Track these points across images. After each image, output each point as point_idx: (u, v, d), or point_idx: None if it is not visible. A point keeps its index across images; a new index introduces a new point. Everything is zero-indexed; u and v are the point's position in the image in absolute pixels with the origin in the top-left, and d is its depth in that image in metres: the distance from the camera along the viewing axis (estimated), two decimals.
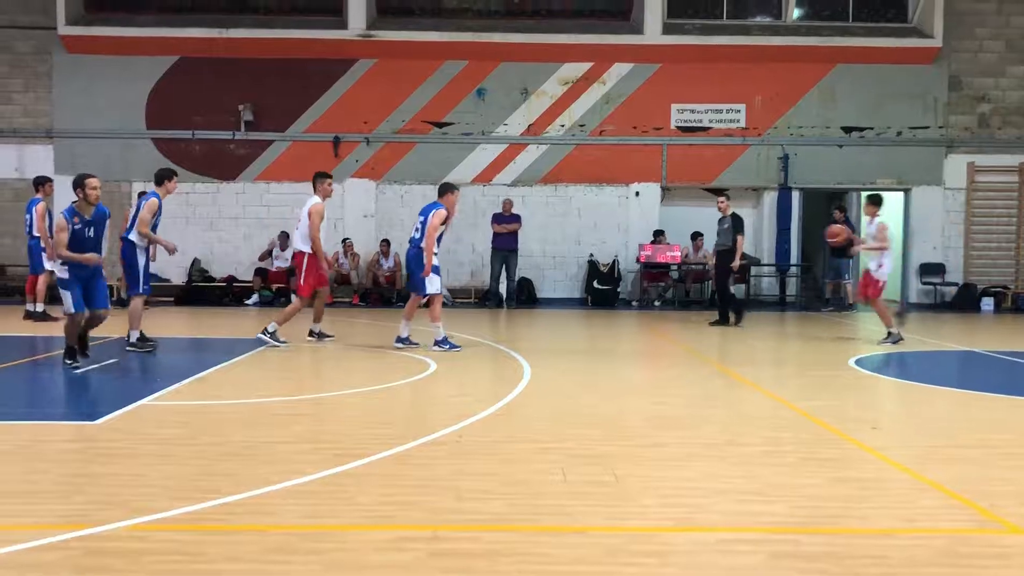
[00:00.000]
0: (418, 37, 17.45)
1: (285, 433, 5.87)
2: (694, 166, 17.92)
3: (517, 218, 16.89)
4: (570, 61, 17.81)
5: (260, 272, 17.18)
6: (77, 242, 8.24)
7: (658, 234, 17.48)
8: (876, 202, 11.55)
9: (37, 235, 12.78)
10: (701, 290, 18.03)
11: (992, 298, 17.47)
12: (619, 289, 17.61)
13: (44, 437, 5.70)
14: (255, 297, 16.89)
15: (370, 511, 4.21)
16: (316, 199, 10.66)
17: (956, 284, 17.94)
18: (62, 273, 8.28)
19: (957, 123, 18.05)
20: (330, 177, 11.02)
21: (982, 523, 4.19)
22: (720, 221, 13.57)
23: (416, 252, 10.22)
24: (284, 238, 17.15)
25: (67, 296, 8.24)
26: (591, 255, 17.76)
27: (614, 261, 17.66)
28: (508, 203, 16.96)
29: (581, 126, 17.98)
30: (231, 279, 17.46)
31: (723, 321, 13.43)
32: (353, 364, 9.46)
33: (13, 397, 7.39)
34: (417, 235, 10.25)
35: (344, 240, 17.47)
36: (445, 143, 17.87)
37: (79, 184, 8.47)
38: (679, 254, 17.38)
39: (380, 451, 5.31)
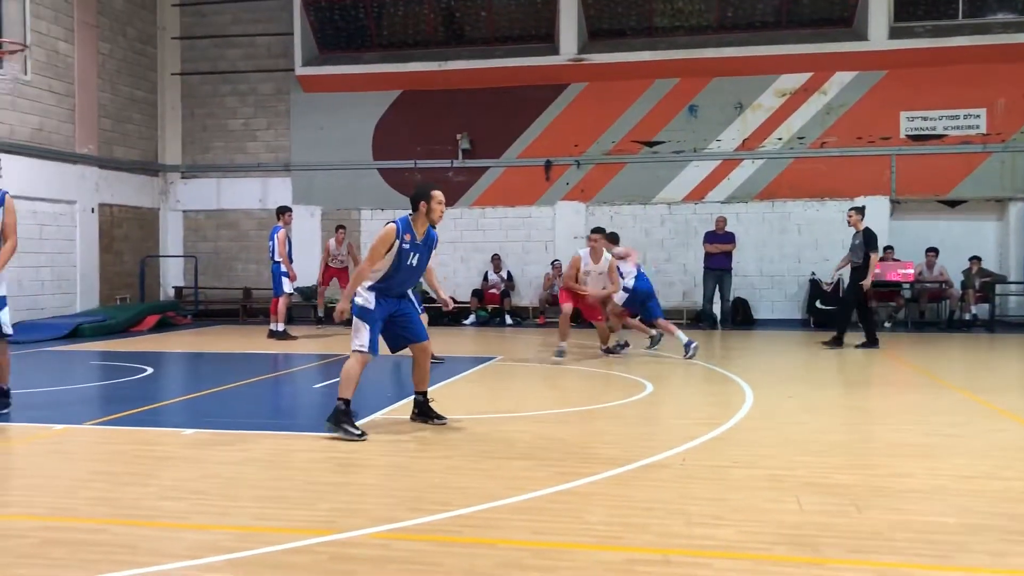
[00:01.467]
0: (629, 58, 17.44)
1: (509, 449, 5.95)
2: (927, 177, 16.68)
3: (731, 237, 16.41)
4: (787, 72, 17.14)
5: (476, 293, 17.74)
6: (397, 265, 6.42)
7: (886, 250, 16.37)
8: None
9: (278, 260, 13.85)
10: (938, 310, 16.67)
11: None
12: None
13: (290, 447, 6.10)
14: (472, 317, 17.43)
15: (598, 531, 4.16)
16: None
17: None
18: (366, 302, 6.46)
19: None
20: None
21: None
22: (853, 236, 12.71)
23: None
24: (497, 260, 17.68)
25: (363, 330, 6.45)
26: (812, 274, 16.92)
27: (838, 280, 16.71)
28: (721, 221, 16.51)
29: (800, 139, 17.23)
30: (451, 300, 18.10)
31: (838, 343, 12.67)
32: (568, 383, 9.50)
33: (260, 409, 7.99)
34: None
35: (553, 262, 17.69)
36: (655, 162, 17.71)
37: (424, 197, 6.59)
38: (912, 271, 16.18)
39: (603, 471, 5.26)
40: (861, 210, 12.77)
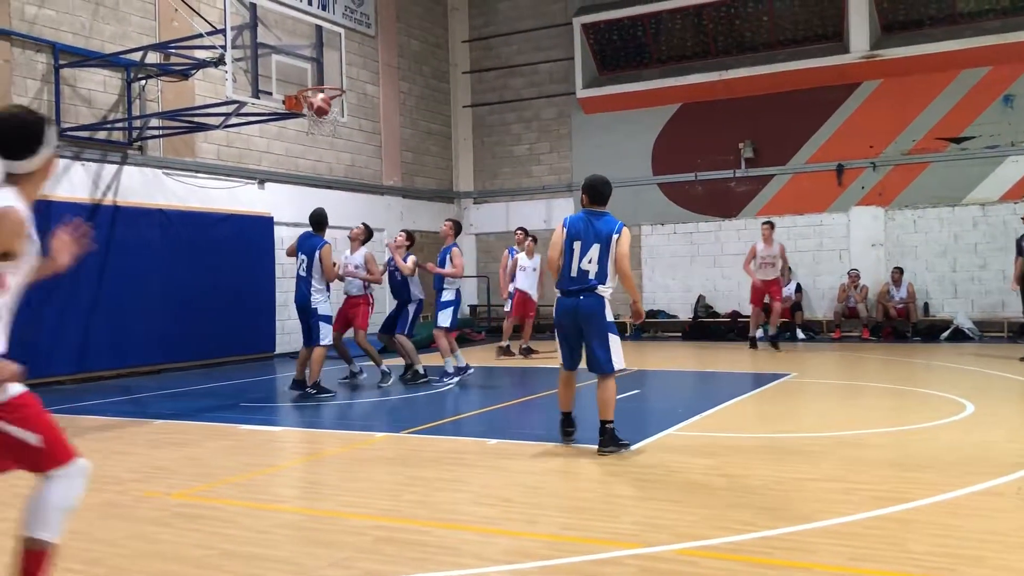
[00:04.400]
0: (929, 50, 16.08)
1: (813, 470, 5.67)
2: None
3: None
4: None
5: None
6: None
7: None
8: None
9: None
10: None
11: None
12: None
13: (585, 459, 6.23)
14: (759, 332, 16.82)
15: (924, 561, 3.83)
16: None
17: None
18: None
19: None
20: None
21: None
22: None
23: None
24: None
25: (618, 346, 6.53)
26: None
27: None
28: None
29: None
30: (735, 315, 17.66)
31: None
32: (871, 401, 8.88)
33: (550, 421, 8.24)
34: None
35: (850, 271, 16.64)
36: (964, 159, 16.13)
37: None
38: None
39: (924, 497, 4.85)
40: None
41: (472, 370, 11.12)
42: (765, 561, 3.90)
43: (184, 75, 12.74)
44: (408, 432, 7.48)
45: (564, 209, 19.65)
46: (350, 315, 10.75)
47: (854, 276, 16.56)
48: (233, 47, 10.61)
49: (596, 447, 6.34)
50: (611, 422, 6.30)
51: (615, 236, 6.39)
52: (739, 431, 7.13)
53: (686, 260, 18.49)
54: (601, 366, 6.36)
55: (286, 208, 15.25)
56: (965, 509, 4.66)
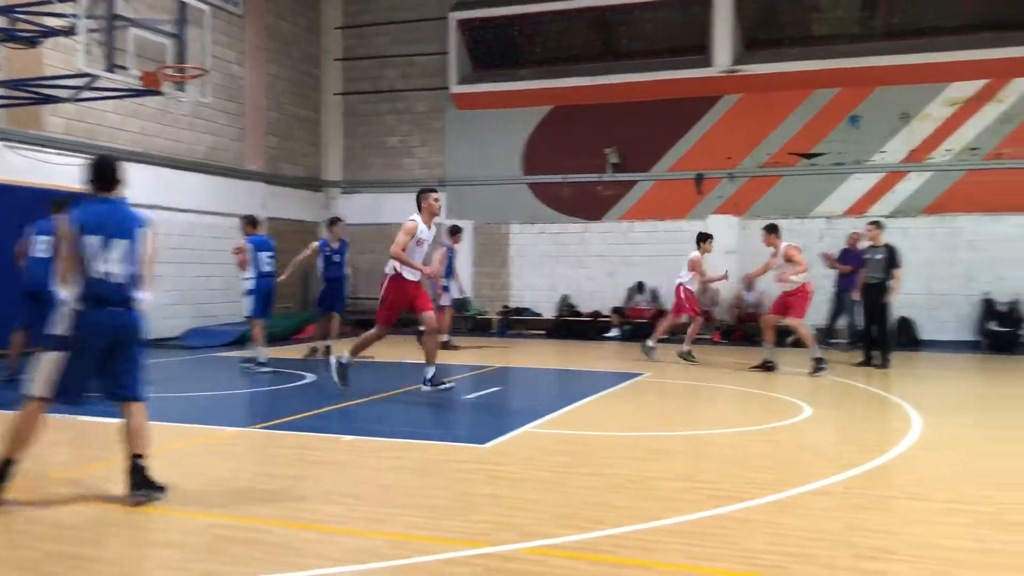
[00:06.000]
0: (786, 68, 16.90)
1: (661, 469, 5.84)
2: None
3: (855, 256, 14.69)
4: (959, 80, 16.15)
5: (618, 310, 17.63)
6: None
7: None
8: None
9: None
10: None
11: None
12: (1021, 332, 15.44)
13: (443, 456, 6.20)
14: (615, 331, 17.31)
15: (758, 559, 3.99)
16: None
17: None
18: None
19: None
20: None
21: None
22: (868, 251, 12.25)
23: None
24: (642, 286, 17.52)
25: None
26: (986, 293, 15.81)
27: (1016, 301, 15.56)
28: (853, 236, 14.74)
29: (973, 150, 16.18)
30: (596, 314, 18.06)
31: (867, 362, 12.20)
32: (721, 403, 9.24)
33: (415, 418, 8.18)
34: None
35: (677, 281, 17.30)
36: (813, 174, 17.06)
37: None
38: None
39: (761, 496, 5.07)
40: (880, 224, 12.34)
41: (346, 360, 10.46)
42: (610, 560, 3.97)
43: (31, 42, 11.90)
44: (259, 427, 7.25)
45: None
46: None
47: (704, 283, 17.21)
48: (87, 16, 10.00)
49: (456, 443, 6.32)
50: (142, 457, 4.97)
51: (142, 230, 5.09)
52: (594, 429, 7.27)
53: (552, 260, 18.76)
54: (136, 390, 5.07)
55: (140, 190, 14.47)
56: (798, 508, 4.90)
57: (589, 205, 18.59)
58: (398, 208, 19.73)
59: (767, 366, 11.69)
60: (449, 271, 14.35)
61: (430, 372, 8.91)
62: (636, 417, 8.20)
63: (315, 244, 12.86)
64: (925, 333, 16.14)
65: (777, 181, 17.34)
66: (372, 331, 8.98)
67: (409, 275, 8.82)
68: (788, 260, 11.42)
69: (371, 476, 5.60)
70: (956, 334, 16.15)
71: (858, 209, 16.76)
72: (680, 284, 13.32)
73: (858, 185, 16.81)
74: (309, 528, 4.45)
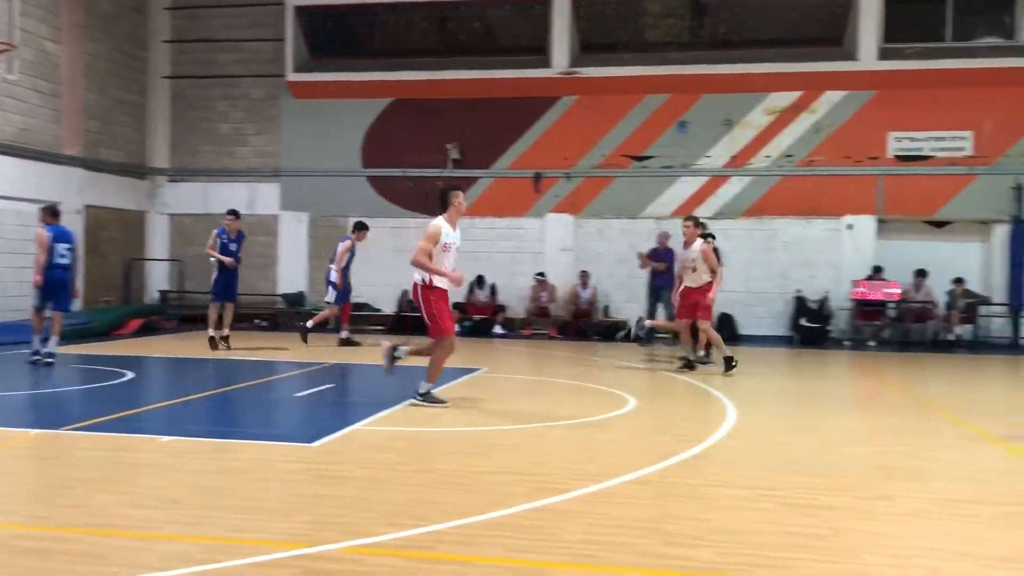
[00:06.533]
0: (620, 72, 17.50)
1: (489, 463, 5.91)
2: (914, 197, 16.77)
3: (669, 253, 14.78)
4: (777, 90, 17.24)
5: (458, 305, 17.72)
6: None
7: (877, 270, 16.45)
8: None
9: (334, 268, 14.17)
10: (923, 331, 16.72)
11: None
12: (829, 328, 16.68)
13: (268, 456, 6.04)
14: (456, 328, 17.38)
15: (574, 549, 4.12)
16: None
17: None
18: None
19: None
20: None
21: None
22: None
23: None
24: (481, 279, 17.68)
25: None
26: (798, 291, 16.97)
27: (824, 298, 16.78)
28: (663, 236, 15.31)
29: (788, 156, 17.31)
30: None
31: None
32: (554, 397, 9.47)
33: (242, 416, 7.93)
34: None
35: (538, 274, 17.67)
36: (645, 177, 17.75)
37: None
38: (897, 291, 16.25)
39: (582, 487, 5.23)
40: (698, 222, 12.04)
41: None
42: (429, 556, 3.99)
43: None
44: (69, 428, 6.81)
45: (270, 194, 19.04)
46: None
47: (541, 280, 17.60)
48: None
49: (283, 443, 6.16)
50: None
51: None
52: (425, 425, 7.28)
53: (392, 254, 18.58)
54: None
55: None
56: (616, 498, 5.09)
57: (430, 200, 18.53)
58: (229, 198, 19.09)
59: (690, 364, 11.49)
60: (348, 263, 14.22)
61: (424, 388, 8.28)
62: (469, 412, 8.26)
63: (214, 231, 13.25)
64: (744, 328, 17.13)
65: (611, 182, 17.92)
66: (440, 349, 8.18)
67: (440, 283, 8.13)
68: (705, 259, 11.05)
69: (190, 478, 5.38)
70: (772, 329, 17.24)
71: (685, 210, 17.50)
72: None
73: (685, 188, 17.63)
74: (118, 535, 4.23)
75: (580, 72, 17.61)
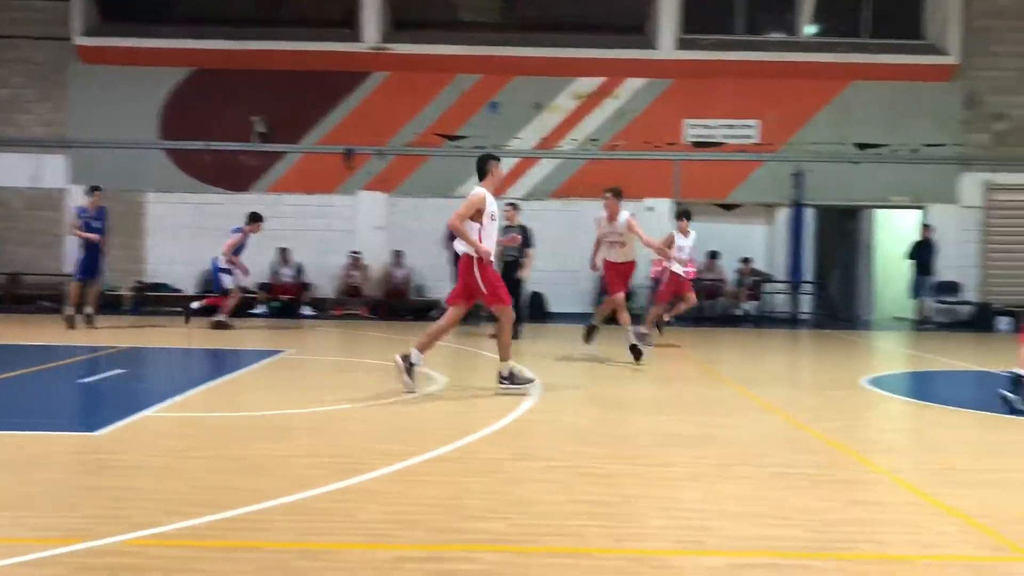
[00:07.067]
0: (432, 50, 17.47)
1: (288, 447, 5.78)
2: (707, 182, 17.83)
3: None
4: (584, 75, 17.78)
5: (264, 286, 17.23)
6: None
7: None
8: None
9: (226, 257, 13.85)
10: (713, 306, 17.87)
11: (1011, 317, 17.23)
12: (632, 304, 17.43)
13: (45, 448, 5.63)
14: (261, 308, 16.90)
15: (370, 529, 4.11)
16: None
17: (971, 303, 17.74)
18: None
19: (973, 141, 17.90)
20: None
21: (997, 550, 4.06)
22: (505, 231, 12.62)
23: None
24: (285, 253, 17.21)
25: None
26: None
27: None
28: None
29: (594, 140, 17.92)
30: (242, 290, 17.40)
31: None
32: (359, 377, 9.37)
33: (17, 406, 7.34)
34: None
35: (351, 253, 17.43)
36: (457, 156, 17.84)
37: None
38: (693, 270, 17.23)
39: (383, 467, 5.22)
40: (516, 206, 12.77)
41: None
42: (218, 544, 3.86)
43: None
44: None
45: (55, 166, 17.62)
46: None
47: (356, 258, 17.37)
48: None
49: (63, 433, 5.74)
50: None
51: None
52: (221, 410, 7.02)
53: (194, 232, 17.74)
54: None
55: None
56: (417, 476, 5.11)
57: (234, 175, 17.85)
58: (9, 170, 17.57)
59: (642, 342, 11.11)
60: (238, 253, 13.80)
61: (506, 369, 8.03)
62: (269, 396, 8.04)
63: (74, 209, 13.27)
64: (553, 306, 17.66)
65: (424, 160, 17.90)
66: (504, 322, 7.94)
67: (463, 248, 7.86)
68: (630, 230, 10.64)
69: None
70: (579, 307, 17.85)
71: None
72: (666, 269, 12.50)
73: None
74: None
75: (391, 48, 17.42)
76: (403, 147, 17.86)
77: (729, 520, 4.35)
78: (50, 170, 17.64)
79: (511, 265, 12.99)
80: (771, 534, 4.16)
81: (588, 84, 17.84)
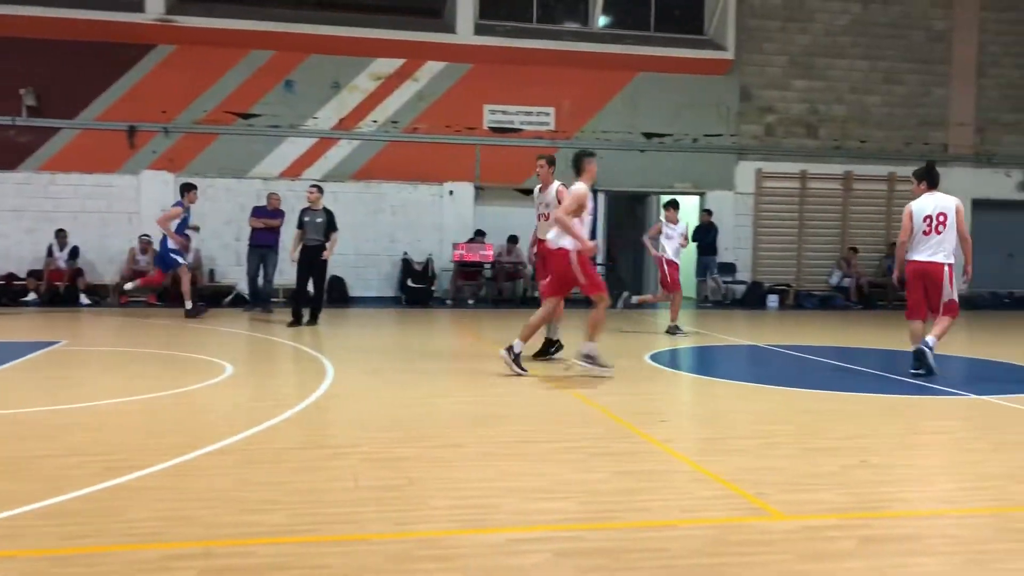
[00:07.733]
0: (221, 24, 16.69)
1: (53, 446, 5.39)
2: (505, 167, 18.17)
3: (280, 213, 15.11)
4: (382, 56, 17.60)
5: (34, 273, 15.97)
6: None
7: (479, 234, 17.60)
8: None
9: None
10: (513, 289, 18.31)
11: (777, 295, 18.80)
12: (433, 288, 17.57)
13: None
14: (32, 296, 15.66)
15: (139, 528, 3.92)
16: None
17: (745, 282, 19.18)
18: None
19: (747, 132, 19.31)
20: None
21: (752, 511, 4.42)
22: (308, 214, 12.65)
23: None
24: (63, 236, 15.99)
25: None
26: (405, 253, 17.64)
27: (428, 260, 17.63)
28: (274, 198, 15.31)
29: (394, 123, 17.81)
30: (11, 277, 16.01)
31: (298, 321, 12.55)
32: (140, 369, 8.87)
33: None
34: None
35: (141, 236, 16.43)
36: (250, 135, 17.20)
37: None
38: (491, 253, 17.57)
39: (159, 463, 4.98)
40: (320, 188, 13.05)
41: None
42: None
43: None
44: None
45: None
46: None
47: (145, 242, 16.38)
48: None
49: None
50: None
51: None
52: None
53: None
54: None
55: None
56: (196, 470, 4.91)
57: (1, 152, 16.32)
58: None
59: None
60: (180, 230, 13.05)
61: (593, 349, 8.23)
62: (33, 391, 7.46)
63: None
64: (354, 291, 17.45)
65: (214, 139, 17.13)
66: (600, 306, 8.19)
67: (566, 243, 8.08)
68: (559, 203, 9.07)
69: None
70: (381, 291, 17.77)
71: (293, 172, 17.36)
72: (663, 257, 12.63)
73: (293, 149, 17.41)
74: None
75: (176, 20, 16.49)
76: (191, 125, 16.99)
77: (508, 497, 4.49)
78: None
79: (313, 249, 12.65)
80: (547, 507, 4.33)
81: (387, 65, 17.68)
